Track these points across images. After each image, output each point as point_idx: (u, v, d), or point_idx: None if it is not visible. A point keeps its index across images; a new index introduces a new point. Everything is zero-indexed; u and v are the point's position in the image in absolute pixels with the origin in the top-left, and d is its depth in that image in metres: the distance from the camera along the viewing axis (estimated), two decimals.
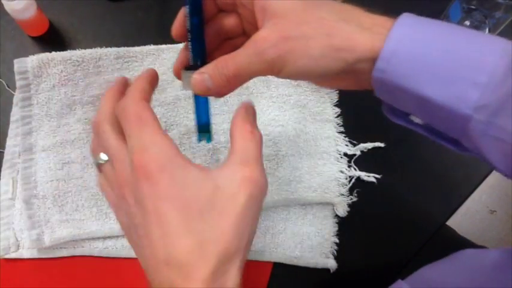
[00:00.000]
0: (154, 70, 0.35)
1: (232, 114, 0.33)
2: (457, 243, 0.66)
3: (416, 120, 0.33)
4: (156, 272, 0.28)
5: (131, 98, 0.31)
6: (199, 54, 0.34)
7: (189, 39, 0.33)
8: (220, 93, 0.32)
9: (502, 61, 0.27)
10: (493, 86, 0.27)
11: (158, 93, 0.53)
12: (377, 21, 0.30)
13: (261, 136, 0.32)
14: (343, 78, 0.33)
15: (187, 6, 0.32)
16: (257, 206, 0.29)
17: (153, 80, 0.35)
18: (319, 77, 0.31)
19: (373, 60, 0.29)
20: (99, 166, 0.33)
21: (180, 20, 0.34)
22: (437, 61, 0.28)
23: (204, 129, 0.35)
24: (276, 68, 0.30)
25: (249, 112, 0.33)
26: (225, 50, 0.37)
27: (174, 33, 0.34)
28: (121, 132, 0.31)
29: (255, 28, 0.32)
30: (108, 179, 0.33)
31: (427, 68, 0.28)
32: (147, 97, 0.33)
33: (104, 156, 0.33)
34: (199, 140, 0.36)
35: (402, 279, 0.41)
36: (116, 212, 0.33)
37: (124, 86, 0.36)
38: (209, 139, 0.35)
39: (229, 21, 0.35)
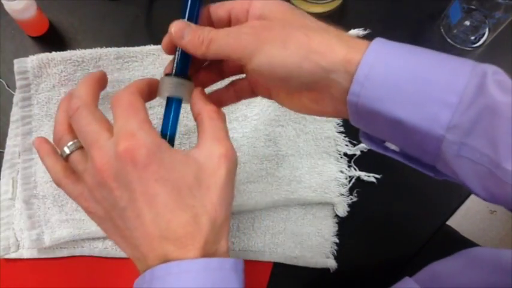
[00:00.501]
0: (156, 79, 0.36)
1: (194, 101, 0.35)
2: (459, 243, 0.66)
3: (392, 147, 0.34)
4: (150, 248, 0.29)
5: (128, 89, 0.32)
6: (184, 66, 0.35)
7: (177, 50, 0.34)
8: (187, 49, 0.33)
9: (471, 82, 0.28)
10: (463, 106, 0.28)
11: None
12: (354, 39, 0.31)
13: (224, 115, 0.34)
14: (317, 95, 0.33)
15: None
16: (233, 178, 0.32)
17: (152, 84, 0.35)
18: (289, 79, 0.31)
19: (346, 72, 0.30)
20: (67, 156, 0.34)
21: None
22: (409, 84, 0.28)
23: (168, 139, 0.34)
24: (247, 51, 0.31)
25: (205, 94, 0.35)
26: (211, 69, 0.38)
27: (164, 45, 0.35)
28: (101, 119, 0.32)
29: None
30: (78, 167, 0.33)
31: (399, 91, 0.29)
32: (143, 95, 0.33)
33: (72, 145, 0.33)
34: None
35: (410, 276, 0.41)
36: (84, 203, 0.33)
37: (103, 77, 0.37)
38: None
39: None
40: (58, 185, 0.35)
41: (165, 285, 0.28)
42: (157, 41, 0.55)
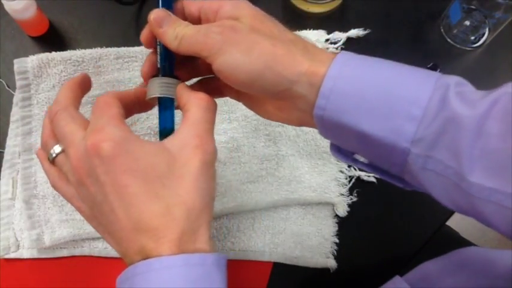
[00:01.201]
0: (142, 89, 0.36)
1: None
2: (459, 243, 0.66)
3: (361, 159, 0.34)
4: (128, 241, 0.29)
5: (108, 93, 0.33)
6: (169, 63, 0.35)
7: (158, 44, 0.34)
8: (163, 39, 0.33)
9: (435, 95, 0.28)
10: (428, 119, 0.28)
11: None
12: (322, 52, 0.31)
13: (215, 104, 0.33)
14: (281, 104, 0.33)
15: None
16: (210, 170, 0.31)
17: (137, 94, 0.35)
18: (251, 85, 0.31)
19: (310, 85, 0.30)
20: (53, 159, 0.34)
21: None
22: (374, 97, 0.28)
23: (167, 133, 0.34)
24: (214, 50, 0.31)
25: (189, 87, 0.34)
26: (189, 62, 0.38)
27: (143, 36, 0.35)
28: (79, 121, 0.32)
29: None
30: (63, 169, 0.33)
31: (364, 104, 0.29)
32: (123, 101, 0.33)
33: (57, 148, 0.34)
34: None
35: (401, 275, 0.41)
36: (76, 203, 0.33)
37: (84, 80, 0.37)
38: None
39: None
40: (54, 188, 0.35)
41: (146, 281, 0.28)
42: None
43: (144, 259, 0.28)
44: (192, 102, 0.32)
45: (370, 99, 0.28)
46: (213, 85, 0.38)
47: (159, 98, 0.34)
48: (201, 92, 0.33)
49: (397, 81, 0.29)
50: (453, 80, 0.29)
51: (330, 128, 0.31)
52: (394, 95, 0.28)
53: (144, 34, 0.35)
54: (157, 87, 0.34)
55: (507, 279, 0.36)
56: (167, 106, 0.35)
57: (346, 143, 0.33)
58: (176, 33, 0.32)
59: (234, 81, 0.32)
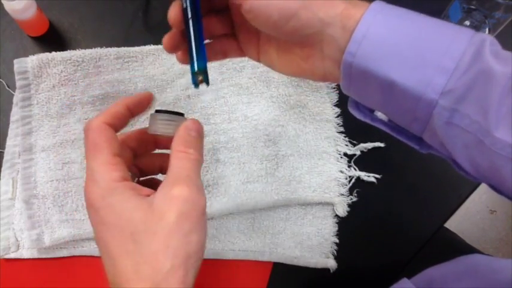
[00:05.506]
0: (147, 95, 0.36)
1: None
2: (457, 245, 0.66)
3: (381, 116, 0.34)
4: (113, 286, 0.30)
5: (94, 120, 0.32)
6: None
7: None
8: None
9: (469, 49, 0.28)
10: (459, 72, 0.27)
11: (158, 93, 0.53)
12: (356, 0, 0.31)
13: (196, 158, 0.32)
14: (308, 51, 0.32)
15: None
16: (190, 222, 0.29)
17: (135, 104, 0.35)
18: (283, 25, 0.30)
19: (343, 28, 0.29)
20: None
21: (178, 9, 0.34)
22: (406, 46, 0.28)
23: (203, 70, 0.33)
24: None
25: (188, 134, 0.33)
26: (212, 23, 0.36)
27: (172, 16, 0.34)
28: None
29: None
30: None
31: (396, 52, 0.28)
32: (115, 121, 0.33)
33: None
34: (197, 84, 0.34)
35: (408, 278, 0.41)
36: None
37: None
38: (207, 81, 0.33)
39: None
40: None
41: None
42: (157, 41, 0.55)
43: None
44: (171, 155, 0.32)
45: (402, 48, 0.28)
46: (234, 45, 0.37)
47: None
48: (181, 144, 0.32)
49: (431, 32, 0.28)
50: (489, 38, 0.29)
51: (356, 77, 0.30)
52: (427, 46, 0.28)
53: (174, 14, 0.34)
54: (158, 124, 0.34)
55: (509, 286, 0.36)
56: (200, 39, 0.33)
57: (369, 97, 0.32)
58: None
59: (265, 21, 0.31)
